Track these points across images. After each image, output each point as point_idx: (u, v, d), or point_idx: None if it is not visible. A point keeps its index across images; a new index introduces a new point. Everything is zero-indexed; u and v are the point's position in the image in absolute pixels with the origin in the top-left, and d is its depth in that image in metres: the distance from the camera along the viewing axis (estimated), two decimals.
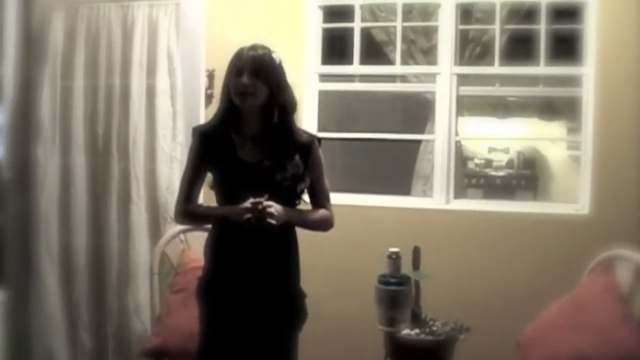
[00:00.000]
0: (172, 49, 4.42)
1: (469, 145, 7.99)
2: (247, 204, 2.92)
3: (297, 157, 3.09)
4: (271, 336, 3.08)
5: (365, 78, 4.99)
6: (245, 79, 2.99)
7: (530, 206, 5.47)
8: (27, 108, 4.58)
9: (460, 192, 4.87)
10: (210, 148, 3.10)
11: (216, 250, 3.13)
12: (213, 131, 3.11)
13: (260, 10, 4.72)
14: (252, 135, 3.10)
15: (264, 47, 3.09)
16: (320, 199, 3.24)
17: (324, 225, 3.25)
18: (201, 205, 3.26)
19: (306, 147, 3.14)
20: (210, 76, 4.62)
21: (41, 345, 4.53)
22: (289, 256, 3.14)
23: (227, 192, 3.08)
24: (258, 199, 2.92)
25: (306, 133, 3.22)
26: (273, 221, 2.92)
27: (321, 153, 3.22)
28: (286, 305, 3.12)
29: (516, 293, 4.26)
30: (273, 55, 3.09)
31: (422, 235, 4.17)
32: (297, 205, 3.16)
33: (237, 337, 3.05)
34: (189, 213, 3.18)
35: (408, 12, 4.88)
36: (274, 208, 2.95)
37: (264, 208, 2.92)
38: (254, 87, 3.00)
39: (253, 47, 3.08)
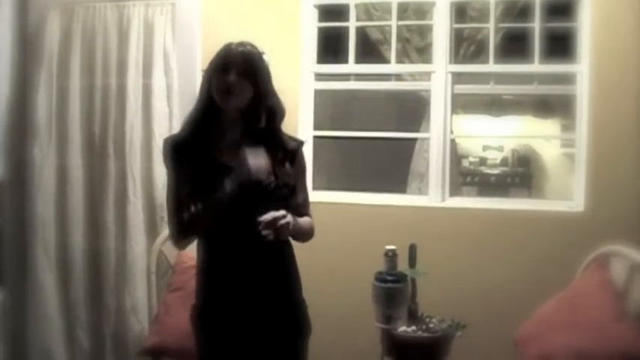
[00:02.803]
0: (168, 49, 4.43)
1: (463, 143, 8.00)
2: (267, 217, 2.69)
3: (287, 165, 2.90)
4: (279, 354, 2.91)
5: (360, 77, 5.01)
6: (232, 76, 2.75)
7: (526, 203, 5.48)
8: (23, 108, 4.59)
9: (455, 190, 4.88)
10: (188, 156, 2.82)
11: (208, 272, 2.89)
12: (189, 137, 2.85)
13: (256, 9, 4.73)
14: (234, 140, 2.85)
15: (253, 45, 2.87)
16: (303, 207, 3.02)
17: (310, 235, 3.06)
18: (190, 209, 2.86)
19: (293, 153, 2.95)
20: None
21: (39, 345, 4.53)
22: (287, 267, 2.97)
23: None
24: (274, 215, 2.70)
25: (292, 139, 2.99)
26: (285, 236, 2.78)
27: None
28: (291, 320, 2.95)
29: (512, 290, 4.28)
30: (263, 56, 2.87)
31: (418, 232, 4.18)
32: None
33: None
34: (183, 225, 2.83)
35: (403, 11, 4.90)
36: (288, 219, 2.74)
37: (282, 224, 2.71)
38: (240, 86, 2.76)
39: (242, 43, 2.85)
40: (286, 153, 2.92)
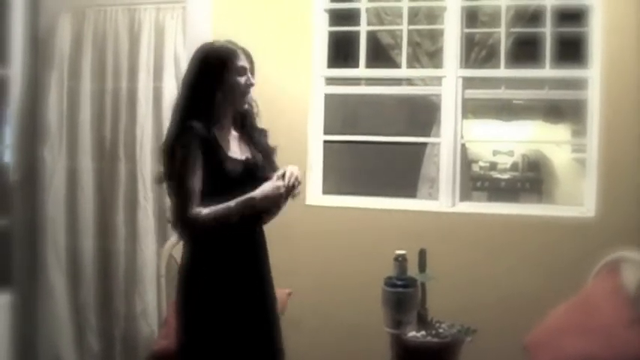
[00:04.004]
0: (179, 52, 4.44)
1: (474, 148, 7.98)
2: (280, 182, 2.90)
3: (275, 154, 3.16)
4: (276, 336, 3.08)
5: (371, 81, 5.00)
6: (251, 77, 3.01)
7: (536, 209, 5.47)
8: (34, 111, 4.61)
9: (465, 195, 4.87)
10: (204, 147, 2.92)
11: (216, 258, 2.98)
12: (203, 131, 2.92)
13: (266, 13, 4.72)
14: (229, 132, 3.05)
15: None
16: None
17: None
18: (217, 207, 2.89)
19: (266, 137, 3.18)
20: None
21: (48, 347, 4.55)
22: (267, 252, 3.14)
23: (223, 191, 2.90)
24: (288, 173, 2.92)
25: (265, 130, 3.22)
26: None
27: None
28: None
29: (522, 295, 4.26)
30: None
31: (428, 237, 4.18)
32: None
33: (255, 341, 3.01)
34: (205, 218, 2.85)
35: (414, 15, 4.89)
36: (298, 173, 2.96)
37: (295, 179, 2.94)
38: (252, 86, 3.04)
39: (235, 44, 3.05)
40: (261, 136, 3.13)
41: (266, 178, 2.96)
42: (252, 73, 3.03)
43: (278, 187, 2.88)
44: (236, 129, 3.09)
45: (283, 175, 2.91)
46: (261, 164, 3.07)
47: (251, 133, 3.12)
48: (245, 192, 2.89)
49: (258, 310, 3.01)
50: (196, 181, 2.88)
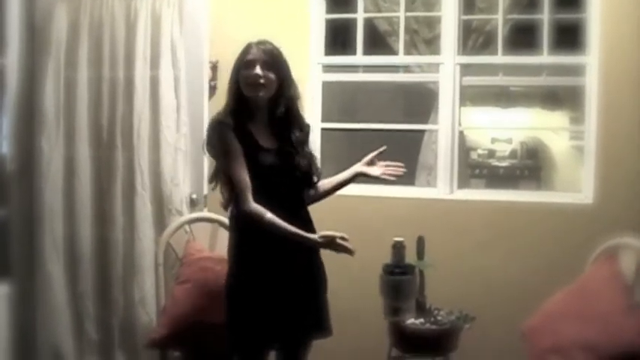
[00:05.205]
0: (176, 41, 4.42)
1: (472, 136, 7.98)
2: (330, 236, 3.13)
3: (309, 145, 3.35)
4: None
5: (368, 68, 5.00)
6: (257, 70, 3.14)
7: (534, 196, 5.47)
8: (31, 100, 4.58)
9: (463, 182, 4.88)
10: (238, 139, 3.15)
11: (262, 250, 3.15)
12: (234, 123, 3.16)
13: (263, 0, 4.71)
14: (262, 125, 3.23)
15: (270, 42, 3.25)
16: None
17: None
18: (276, 220, 3.10)
19: (306, 135, 3.36)
20: (214, 67, 4.63)
21: (47, 336, 4.53)
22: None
23: (256, 179, 3.12)
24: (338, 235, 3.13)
25: (305, 121, 3.40)
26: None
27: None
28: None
29: (520, 282, 4.27)
30: (281, 50, 3.26)
31: (426, 224, 4.18)
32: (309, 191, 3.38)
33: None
34: (258, 213, 3.09)
35: (411, 2, 4.89)
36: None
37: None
38: (266, 78, 3.15)
39: (262, 42, 3.23)
40: (301, 134, 3.31)
41: (297, 167, 3.22)
42: (272, 67, 3.17)
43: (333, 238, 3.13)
44: (272, 121, 3.25)
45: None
46: (292, 153, 3.24)
47: (283, 125, 3.26)
48: (276, 180, 3.14)
49: (308, 290, 3.34)
50: (244, 171, 3.11)
